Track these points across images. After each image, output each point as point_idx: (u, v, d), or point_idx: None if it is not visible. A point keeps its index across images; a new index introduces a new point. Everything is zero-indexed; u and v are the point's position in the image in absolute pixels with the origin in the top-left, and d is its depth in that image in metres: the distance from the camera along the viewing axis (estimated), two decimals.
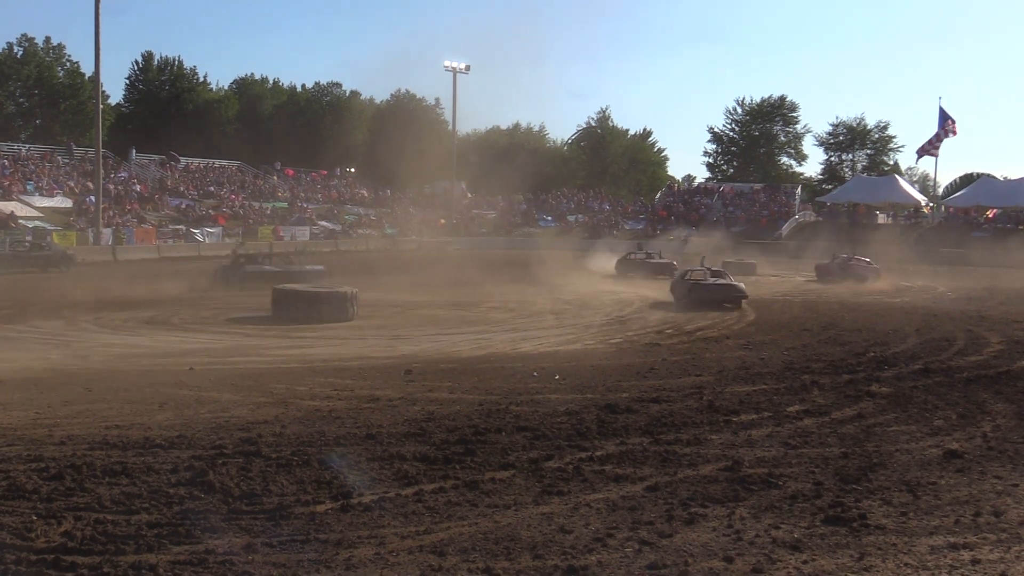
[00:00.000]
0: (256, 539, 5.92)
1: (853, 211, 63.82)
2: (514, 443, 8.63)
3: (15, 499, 6.64)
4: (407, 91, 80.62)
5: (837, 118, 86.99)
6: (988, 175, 73.51)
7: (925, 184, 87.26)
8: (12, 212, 42.19)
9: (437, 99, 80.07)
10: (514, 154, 77.45)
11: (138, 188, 52.89)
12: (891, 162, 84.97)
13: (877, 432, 9.50)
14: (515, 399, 11.02)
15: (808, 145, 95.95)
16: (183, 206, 52.88)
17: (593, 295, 27.76)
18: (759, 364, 14.33)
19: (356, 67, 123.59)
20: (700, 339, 18.18)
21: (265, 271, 28.08)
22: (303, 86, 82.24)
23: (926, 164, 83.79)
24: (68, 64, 68.44)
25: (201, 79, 77.14)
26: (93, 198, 44.86)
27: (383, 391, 11.69)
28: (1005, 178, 69.78)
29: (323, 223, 57.73)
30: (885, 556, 5.86)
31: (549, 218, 67.78)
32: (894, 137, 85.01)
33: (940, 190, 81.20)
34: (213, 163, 63.84)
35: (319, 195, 64.35)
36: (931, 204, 67.26)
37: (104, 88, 73.11)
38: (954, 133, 64.36)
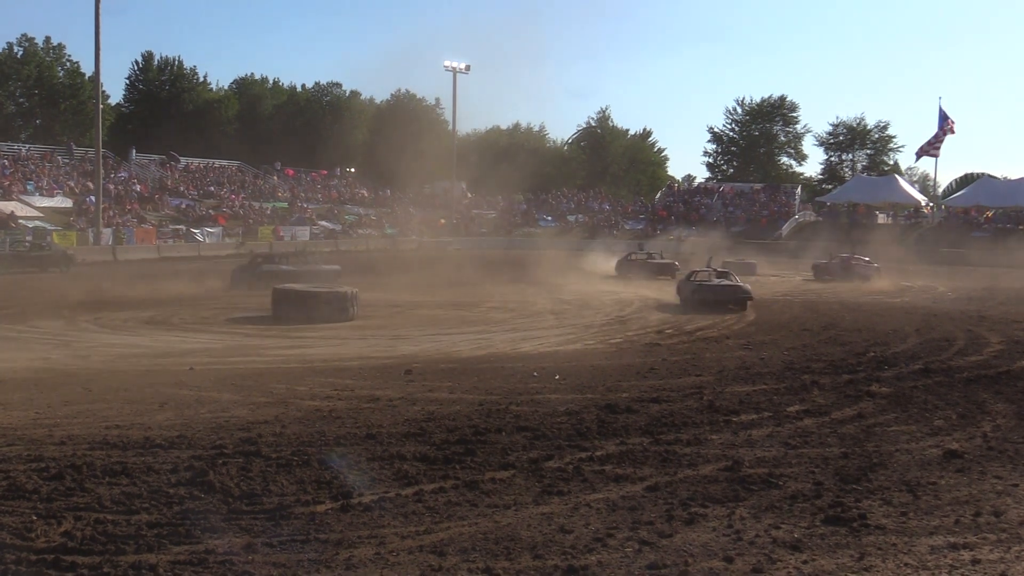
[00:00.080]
0: (256, 539, 5.92)
1: (853, 211, 63.83)
2: (514, 443, 8.63)
3: (15, 499, 6.65)
4: (407, 91, 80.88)
5: (837, 118, 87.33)
6: (988, 175, 73.53)
7: (925, 184, 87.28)
8: (12, 212, 42.17)
9: (437, 99, 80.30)
10: (514, 154, 77.41)
11: (138, 188, 52.87)
12: (891, 162, 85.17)
13: (877, 432, 9.50)
14: (515, 399, 11.02)
15: (808, 145, 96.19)
16: (183, 206, 52.86)
17: (593, 295, 27.75)
18: (759, 364, 14.33)
19: (356, 67, 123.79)
20: (700, 339, 18.18)
21: (282, 271, 27.61)
22: (303, 86, 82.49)
23: (926, 164, 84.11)
24: (68, 64, 68.50)
25: (201, 79, 77.19)
26: (93, 198, 44.86)
27: (383, 391, 11.69)
28: (1005, 178, 69.84)
29: (323, 223, 57.71)
30: (885, 556, 5.86)
31: (549, 218, 67.76)
32: (894, 137, 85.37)
33: (940, 190, 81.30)
34: (213, 163, 63.81)
35: (319, 195, 64.31)
36: (931, 204, 67.22)
37: (104, 88, 73.26)
38: (952, 132, 64.42)
